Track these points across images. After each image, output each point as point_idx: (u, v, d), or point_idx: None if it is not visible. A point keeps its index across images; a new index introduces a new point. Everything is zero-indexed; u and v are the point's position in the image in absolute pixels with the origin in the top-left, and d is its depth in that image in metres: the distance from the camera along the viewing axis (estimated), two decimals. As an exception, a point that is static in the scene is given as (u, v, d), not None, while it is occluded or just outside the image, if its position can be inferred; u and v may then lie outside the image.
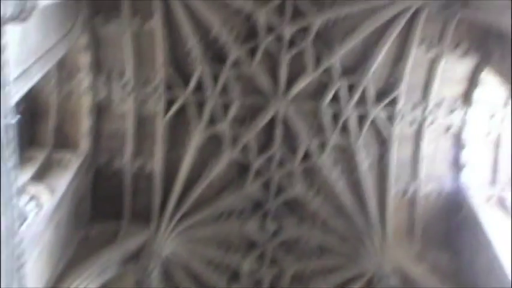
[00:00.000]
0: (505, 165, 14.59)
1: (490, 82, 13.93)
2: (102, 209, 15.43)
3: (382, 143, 14.98)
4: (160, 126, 15.02)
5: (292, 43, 14.24)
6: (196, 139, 15.14)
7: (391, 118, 14.71)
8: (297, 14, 13.90)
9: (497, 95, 14.19)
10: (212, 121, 15.12)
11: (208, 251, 16.42)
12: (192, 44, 14.21)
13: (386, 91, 14.58)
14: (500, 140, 14.55)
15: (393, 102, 14.56)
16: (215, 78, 14.67)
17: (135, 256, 15.30)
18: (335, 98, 14.73)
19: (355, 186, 15.31)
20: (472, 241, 14.01)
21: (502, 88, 13.52)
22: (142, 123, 15.13)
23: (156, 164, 15.27)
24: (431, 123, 14.64)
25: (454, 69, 14.08)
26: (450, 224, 15.02)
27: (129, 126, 15.03)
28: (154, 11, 13.73)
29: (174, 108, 14.94)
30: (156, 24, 13.87)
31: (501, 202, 14.22)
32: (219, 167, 15.52)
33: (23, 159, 13.62)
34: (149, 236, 15.36)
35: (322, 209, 15.79)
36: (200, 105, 14.95)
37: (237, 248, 16.54)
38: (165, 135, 15.15)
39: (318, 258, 16.38)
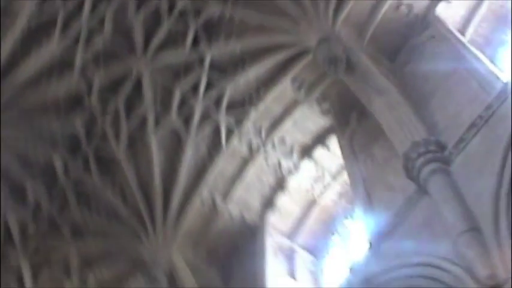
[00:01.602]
0: (309, 225, 14.61)
1: (334, 149, 13.98)
2: None
3: (213, 149, 14.61)
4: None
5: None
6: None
7: (232, 130, 14.39)
8: None
9: (334, 163, 14.24)
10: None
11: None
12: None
13: (241, 104, 14.26)
14: (315, 204, 14.64)
15: (242, 117, 14.28)
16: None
17: None
18: (195, 88, 14.35)
19: (170, 175, 14.72)
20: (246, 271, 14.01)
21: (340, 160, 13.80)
22: None
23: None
24: (265, 154, 14.43)
25: (309, 119, 13.99)
26: (238, 246, 14.69)
27: None
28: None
29: None
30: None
31: (289, 255, 14.27)
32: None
33: None
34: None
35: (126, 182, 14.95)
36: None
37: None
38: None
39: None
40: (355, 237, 13.09)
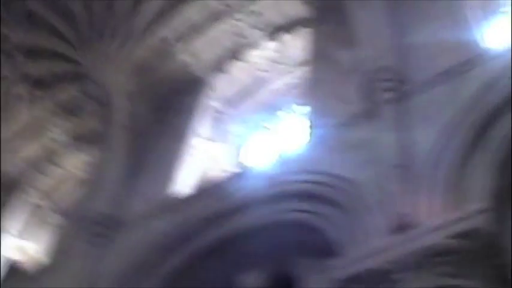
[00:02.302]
0: (248, 103, 14.52)
1: (301, 41, 13.68)
2: None
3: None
4: None
5: None
6: None
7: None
8: None
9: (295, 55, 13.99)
10: None
11: None
12: None
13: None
14: (261, 85, 14.48)
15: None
16: None
17: None
18: None
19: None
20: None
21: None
22: None
23: None
24: (236, 19, 14.04)
25: (290, 3, 13.67)
26: (177, 96, 14.45)
27: None
28: None
29: None
30: None
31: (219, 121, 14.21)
32: None
33: None
34: None
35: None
36: None
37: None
38: None
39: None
40: (287, 129, 13.25)
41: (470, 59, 9.23)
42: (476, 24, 10.33)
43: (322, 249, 8.40)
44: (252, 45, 14.25)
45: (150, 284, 10.16)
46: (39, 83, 15.50)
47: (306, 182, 9.22)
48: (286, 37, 14.02)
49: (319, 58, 12.12)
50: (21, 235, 15.65)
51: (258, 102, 14.39)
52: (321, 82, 11.50)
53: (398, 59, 10.09)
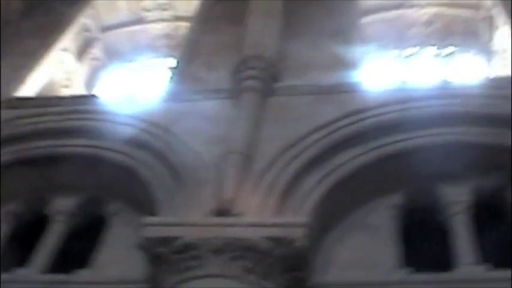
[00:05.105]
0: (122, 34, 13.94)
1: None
2: None
3: None
4: None
5: None
6: None
7: None
8: None
9: (182, 8, 13.63)
10: None
11: None
12: None
13: None
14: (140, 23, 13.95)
15: None
16: None
17: None
18: None
19: None
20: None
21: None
22: None
23: None
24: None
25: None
26: None
27: None
28: None
29: None
30: None
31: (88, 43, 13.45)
32: None
33: None
34: None
35: None
36: None
37: None
38: None
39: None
40: (149, 76, 12.96)
41: (340, 85, 9.34)
42: (359, 57, 10.43)
43: (143, 203, 8.22)
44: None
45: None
46: None
47: (148, 132, 8.86)
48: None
49: (207, 21, 11.85)
50: None
51: (129, 39, 13.80)
52: (201, 44, 11.23)
53: (277, 55, 10.04)
